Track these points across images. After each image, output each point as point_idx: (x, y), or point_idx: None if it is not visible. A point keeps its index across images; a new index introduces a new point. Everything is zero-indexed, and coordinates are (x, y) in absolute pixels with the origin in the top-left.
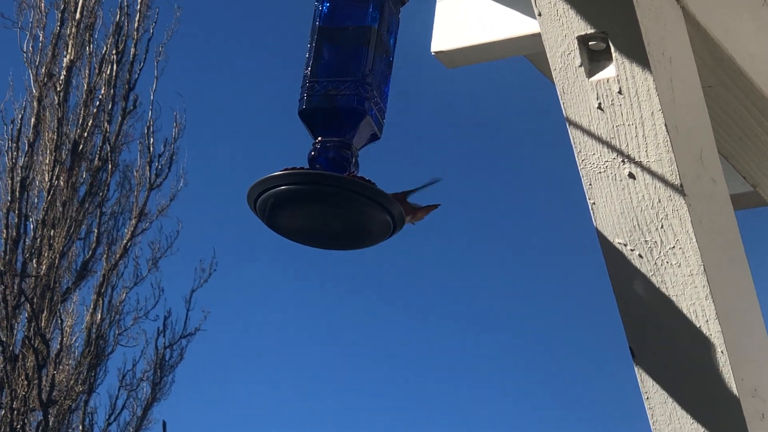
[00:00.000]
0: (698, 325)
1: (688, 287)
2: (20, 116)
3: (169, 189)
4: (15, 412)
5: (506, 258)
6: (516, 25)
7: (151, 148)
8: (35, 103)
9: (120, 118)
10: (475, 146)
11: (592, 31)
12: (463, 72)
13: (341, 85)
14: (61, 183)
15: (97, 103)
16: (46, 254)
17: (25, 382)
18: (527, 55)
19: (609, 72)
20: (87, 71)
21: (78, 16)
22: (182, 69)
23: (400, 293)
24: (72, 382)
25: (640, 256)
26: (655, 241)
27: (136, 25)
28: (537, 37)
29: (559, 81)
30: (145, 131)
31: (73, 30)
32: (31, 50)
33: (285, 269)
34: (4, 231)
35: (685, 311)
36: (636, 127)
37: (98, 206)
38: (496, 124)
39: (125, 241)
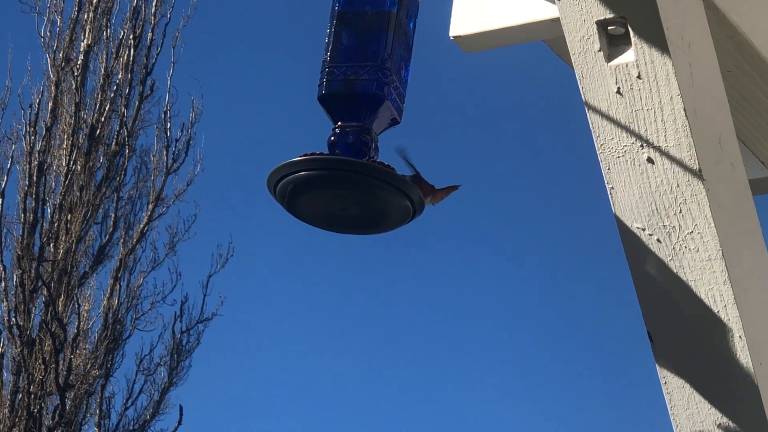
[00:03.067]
0: (716, 310)
1: (706, 272)
2: (38, 101)
3: (186, 174)
4: (32, 396)
5: (523, 242)
6: (535, 9)
7: (168, 133)
8: (53, 88)
9: (137, 103)
10: (494, 130)
11: (611, 15)
12: (481, 57)
13: (360, 70)
14: (78, 167)
15: (114, 87)
16: (63, 238)
17: (42, 367)
18: (546, 39)
19: (628, 56)
20: (104, 56)
21: (95, 0)
22: (199, 54)
23: (420, 280)
24: (89, 366)
25: (658, 240)
26: (674, 226)
27: (153, 9)
28: (556, 21)
29: (578, 66)
30: (162, 116)
31: (91, 15)
32: (49, 35)
33: (303, 254)
34: (22, 215)
35: (703, 296)
36: (655, 112)
37: (115, 191)
38: (514, 108)
39: (142, 226)
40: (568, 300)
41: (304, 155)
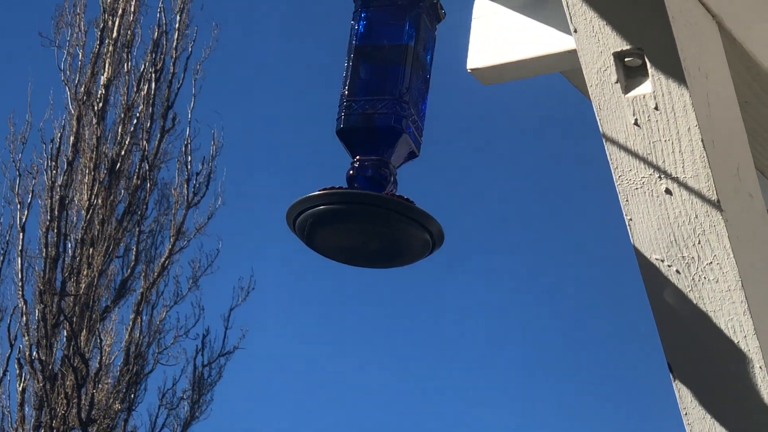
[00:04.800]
0: (736, 341)
1: (725, 303)
2: (59, 135)
3: (207, 207)
4: (54, 430)
5: (541, 273)
6: (552, 41)
7: (189, 166)
8: (74, 122)
9: (158, 136)
10: (513, 162)
11: (628, 47)
12: (499, 89)
13: (378, 104)
14: (100, 201)
15: (135, 121)
16: (85, 273)
17: (65, 401)
18: (563, 71)
19: (645, 88)
20: (125, 89)
21: (115, 34)
22: (220, 87)
23: (440, 313)
24: (111, 400)
25: (677, 272)
26: (693, 257)
27: (174, 43)
28: (573, 53)
29: (596, 97)
30: (183, 149)
31: (110, 48)
32: (69, 69)
33: (324, 288)
34: (44, 250)
35: (722, 327)
36: (672, 143)
37: (136, 224)
38: (533, 140)
39: (163, 259)
40: (588, 332)
41: (323, 189)
